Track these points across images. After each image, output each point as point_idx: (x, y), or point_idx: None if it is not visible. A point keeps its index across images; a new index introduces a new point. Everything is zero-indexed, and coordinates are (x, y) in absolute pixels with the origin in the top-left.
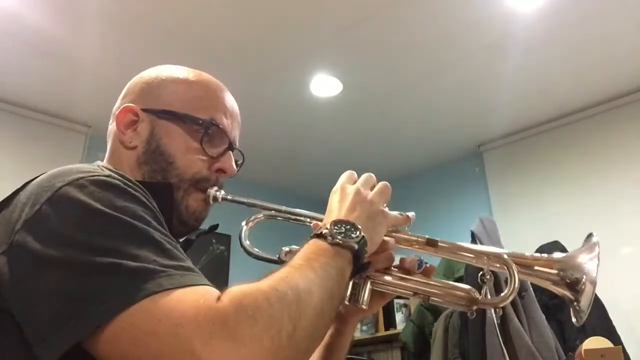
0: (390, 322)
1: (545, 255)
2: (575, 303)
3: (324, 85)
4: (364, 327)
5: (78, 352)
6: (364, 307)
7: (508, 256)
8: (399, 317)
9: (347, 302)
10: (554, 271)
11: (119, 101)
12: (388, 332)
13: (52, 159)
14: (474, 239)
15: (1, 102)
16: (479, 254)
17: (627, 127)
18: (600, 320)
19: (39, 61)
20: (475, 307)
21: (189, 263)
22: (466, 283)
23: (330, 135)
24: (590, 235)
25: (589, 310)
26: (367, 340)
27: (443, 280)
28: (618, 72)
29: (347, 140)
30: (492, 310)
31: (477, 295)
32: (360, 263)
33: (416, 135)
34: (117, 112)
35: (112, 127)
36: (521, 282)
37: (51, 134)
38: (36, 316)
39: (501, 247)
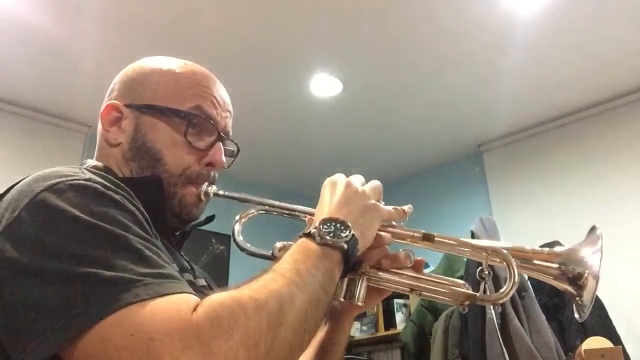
0: (390, 322)
1: (546, 249)
2: (577, 298)
3: (324, 85)
4: (364, 327)
5: None
6: (359, 304)
7: (507, 250)
8: (399, 317)
9: (342, 299)
10: (554, 265)
11: (105, 99)
12: (388, 332)
13: (52, 159)
14: (474, 238)
15: (1, 102)
16: (477, 249)
17: (627, 127)
18: (600, 320)
19: (39, 61)
20: (467, 303)
21: (168, 269)
22: (466, 282)
23: (330, 135)
24: (593, 228)
25: (591, 306)
26: (367, 340)
27: (442, 276)
28: (618, 72)
29: (347, 140)
30: (492, 307)
31: (473, 290)
32: (351, 262)
33: (416, 135)
34: (102, 110)
35: (99, 126)
36: (521, 282)
37: (51, 134)
38: (12, 326)
39: None
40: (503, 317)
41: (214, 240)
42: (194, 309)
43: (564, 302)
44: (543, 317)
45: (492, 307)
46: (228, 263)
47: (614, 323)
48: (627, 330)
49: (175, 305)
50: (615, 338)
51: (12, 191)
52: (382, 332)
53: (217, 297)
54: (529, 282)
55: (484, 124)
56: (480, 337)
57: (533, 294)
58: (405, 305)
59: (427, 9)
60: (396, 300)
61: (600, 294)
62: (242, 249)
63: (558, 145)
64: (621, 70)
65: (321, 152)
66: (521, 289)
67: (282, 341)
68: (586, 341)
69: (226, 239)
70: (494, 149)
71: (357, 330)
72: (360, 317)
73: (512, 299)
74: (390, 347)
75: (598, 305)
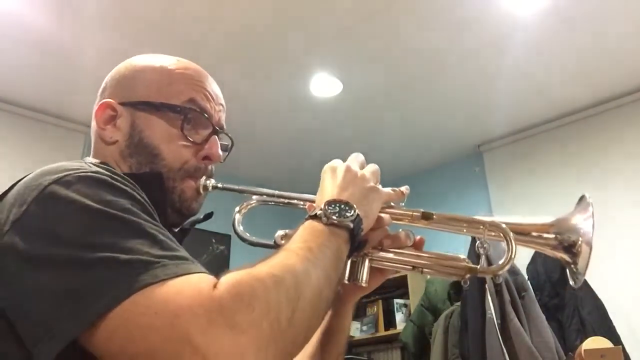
0: (390, 322)
1: (540, 220)
2: (572, 266)
3: (324, 85)
4: (364, 327)
5: (75, 348)
6: (363, 284)
7: (505, 224)
8: (399, 317)
9: (346, 281)
10: (551, 235)
11: (97, 97)
12: (388, 332)
13: (51, 159)
14: (474, 238)
15: (1, 102)
16: (475, 223)
17: (627, 127)
18: (600, 320)
19: (39, 61)
20: (468, 276)
21: (183, 252)
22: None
23: (330, 135)
24: (583, 197)
25: (585, 272)
26: (367, 340)
27: (439, 252)
28: (618, 72)
29: (347, 140)
30: (492, 307)
31: (473, 264)
32: (357, 241)
33: (416, 135)
34: (95, 109)
35: (92, 124)
36: (521, 283)
37: (51, 134)
38: (30, 316)
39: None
40: (503, 317)
41: (214, 240)
42: (215, 286)
43: (563, 302)
44: (543, 317)
45: (491, 307)
46: (228, 263)
47: (614, 323)
48: (627, 330)
49: (194, 283)
50: (615, 338)
51: (17, 187)
52: (382, 332)
53: (235, 275)
54: (529, 282)
55: (484, 124)
56: (480, 337)
57: (533, 294)
58: (405, 305)
59: (426, 9)
60: (396, 300)
61: (600, 294)
62: (243, 240)
63: (558, 145)
64: (621, 70)
65: (321, 152)
66: (521, 289)
67: (301, 313)
68: (586, 341)
69: (226, 238)
70: (494, 149)
71: (357, 330)
72: (360, 317)
73: (512, 299)
74: (390, 347)
75: (598, 305)
